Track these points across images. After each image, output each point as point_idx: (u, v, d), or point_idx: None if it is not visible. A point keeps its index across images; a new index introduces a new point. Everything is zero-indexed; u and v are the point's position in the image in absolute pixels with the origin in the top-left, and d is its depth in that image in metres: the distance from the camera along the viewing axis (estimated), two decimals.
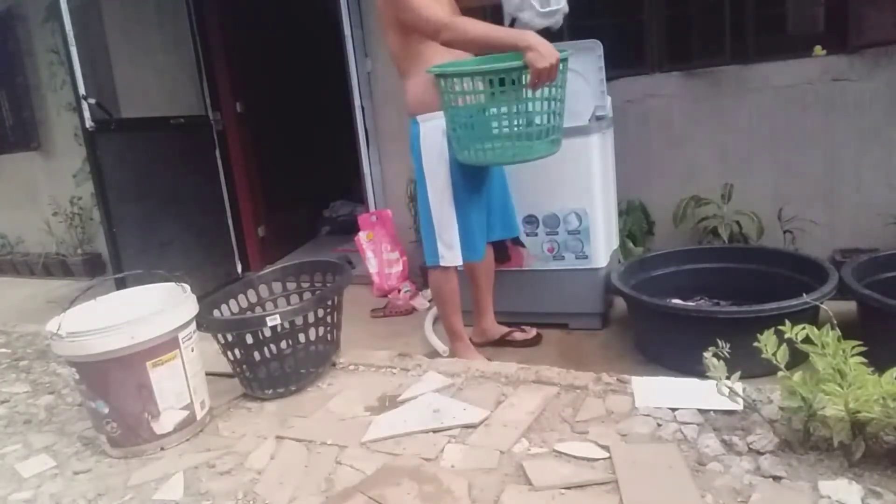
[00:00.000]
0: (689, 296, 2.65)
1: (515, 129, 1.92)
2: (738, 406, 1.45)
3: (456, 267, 2.29)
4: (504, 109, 1.89)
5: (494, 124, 1.94)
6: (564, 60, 1.87)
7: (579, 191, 2.57)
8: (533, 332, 2.63)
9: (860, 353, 1.27)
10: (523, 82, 1.82)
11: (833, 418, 1.23)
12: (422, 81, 2.09)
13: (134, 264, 3.16)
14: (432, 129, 2.12)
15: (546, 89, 1.87)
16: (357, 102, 3.60)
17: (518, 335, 2.61)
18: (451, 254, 2.24)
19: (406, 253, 3.56)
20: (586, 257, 2.62)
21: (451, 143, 2.08)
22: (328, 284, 2.08)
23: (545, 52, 1.77)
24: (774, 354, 1.31)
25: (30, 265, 4.99)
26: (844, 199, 2.88)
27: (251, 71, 4.24)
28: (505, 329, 2.62)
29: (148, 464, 1.61)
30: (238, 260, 4.21)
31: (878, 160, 2.79)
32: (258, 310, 2.07)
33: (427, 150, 2.17)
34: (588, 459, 1.38)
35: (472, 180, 2.19)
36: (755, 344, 1.33)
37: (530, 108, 1.91)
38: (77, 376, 1.64)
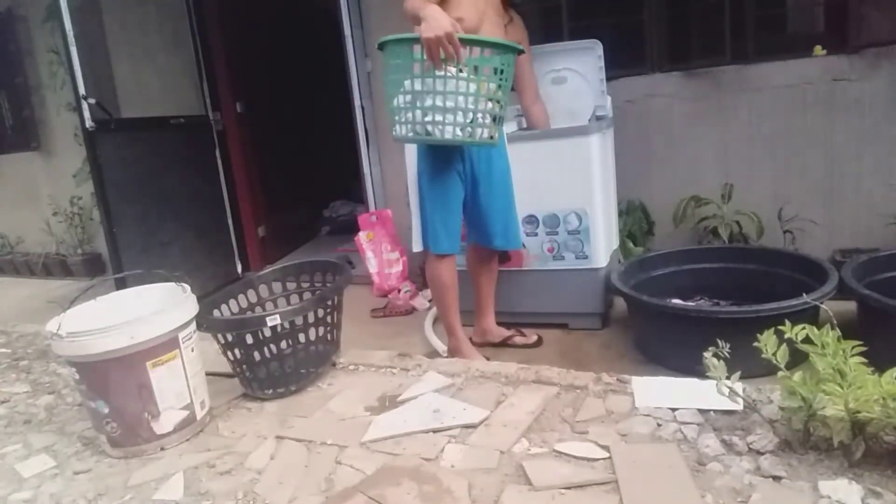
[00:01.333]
0: (689, 296, 2.65)
1: (417, 110, 1.93)
2: (738, 406, 1.45)
3: (446, 259, 2.29)
4: (412, 84, 1.91)
5: (401, 99, 1.95)
6: (490, 45, 1.88)
7: (579, 191, 2.57)
8: (534, 337, 2.63)
9: (860, 353, 1.27)
10: (416, 56, 1.84)
11: (833, 418, 1.23)
12: None
13: (134, 264, 3.16)
14: None
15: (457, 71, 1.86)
16: (357, 102, 3.60)
17: (519, 339, 2.61)
18: (416, 240, 2.34)
19: (406, 253, 3.56)
20: (586, 257, 2.62)
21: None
22: (328, 284, 2.08)
23: (433, 24, 1.77)
24: (774, 354, 1.31)
25: (30, 265, 4.99)
26: (844, 199, 2.88)
27: (251, 71, 4.23)
28: (506, 332, 2.62)
29: (148, 464, 1.61)
30: (238, 260, 4.20)
31: (878, 160, 2.79)
32: (258, 310, 2.07)
33: None
34: (588, 459, 1.38)
35: (434, 170, 2.20)
36: (755, 344, 1.33)
37: (427, 86, 1.89)
38: (77, 376, 1.64)
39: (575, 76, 2.84)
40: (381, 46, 1.94)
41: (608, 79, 2.78)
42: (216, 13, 3.99)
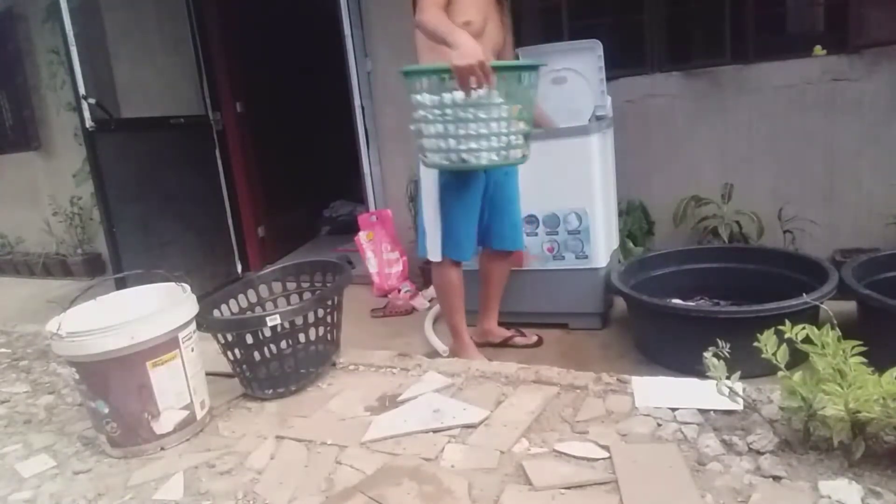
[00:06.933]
0: (689, 296, 2.65)
1: (450, 138, 1.89)
2: (738, 406, 1.45)
3: (458, 264, 2.30)
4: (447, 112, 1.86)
5: (433, 129, 1.91)
6: (519, 69, 1.85)
7: (579, 191, 2.57)
8: (534, 337, 2.63)
9: (860, 353, 1.27)
10: (446, 86, 1.79)
11: (833, 418, 1.23)
12: None
13: (134, 264, 3.16)
14: None
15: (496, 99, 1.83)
16: (357, 102, 3.60)
17: (519, 340, 2.62)
18: (435, 250, 2.29)
19: (406, 253, 3.56)
20: (586, 257, 2.62)
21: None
22: (328, 284, 2.08)
23: (465, 52, 1.73)
24: (774, 354, 1.31)
25: (30, 265, 4.99)
26: (844, 199, 2.88)
27: (251, 71, 4.24)
28: (506, 333, 2.62)
29: (148, 464, 1.61)
30: (238, 260, 4.21)
31: (878, 160, 2.79)
32: (258, 310, 2.07)
33: None
34: (588, 459, 1.38)
35: (459, 183, 2.18)
36: (755, 344, 1.33)
37: (461, 116, 1.85)
38: (77, 376, 1.64)
39: (575, 76, 2.84)
40: (406, 74, 1.89)
41: (608, 79, 2.78)
42: (216, 13, 3.99)
